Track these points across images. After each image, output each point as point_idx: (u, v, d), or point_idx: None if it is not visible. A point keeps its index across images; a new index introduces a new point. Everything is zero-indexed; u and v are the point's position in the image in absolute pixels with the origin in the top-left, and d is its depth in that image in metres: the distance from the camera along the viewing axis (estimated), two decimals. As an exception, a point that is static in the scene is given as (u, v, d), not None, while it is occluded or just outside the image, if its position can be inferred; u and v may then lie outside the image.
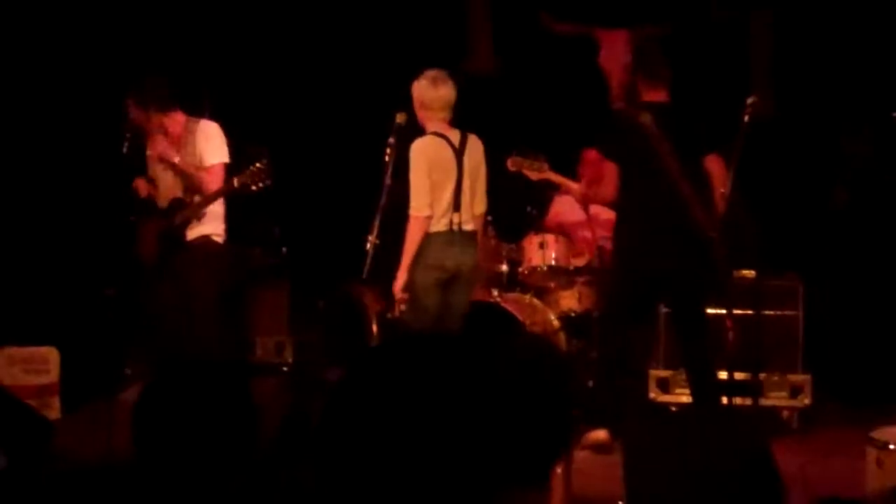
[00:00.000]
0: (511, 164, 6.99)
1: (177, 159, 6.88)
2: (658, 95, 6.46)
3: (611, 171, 6.48)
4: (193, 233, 6.91)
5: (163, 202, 7.02)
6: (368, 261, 6.52)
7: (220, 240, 6.98)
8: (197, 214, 6.90)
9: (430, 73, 6.54)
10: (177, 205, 6.94)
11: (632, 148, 6.31)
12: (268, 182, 6.73)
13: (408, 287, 6.44)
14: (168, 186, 6.99)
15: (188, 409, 2.47)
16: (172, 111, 6.99)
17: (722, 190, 6.07)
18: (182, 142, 6.97)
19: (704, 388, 6.39)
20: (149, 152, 7.09)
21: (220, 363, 2.69)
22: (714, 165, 6.30)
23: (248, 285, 9.20)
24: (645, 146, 6.22)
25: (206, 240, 6.90)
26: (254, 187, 6.74)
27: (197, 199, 6.89)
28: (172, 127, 7.01)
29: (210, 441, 2.45)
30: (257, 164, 6.72)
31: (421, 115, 6.56)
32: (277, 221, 9.61)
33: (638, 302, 6.45)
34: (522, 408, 1.70)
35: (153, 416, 2.49)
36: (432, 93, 6.49)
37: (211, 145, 6.97)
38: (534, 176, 7.06)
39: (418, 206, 6.41)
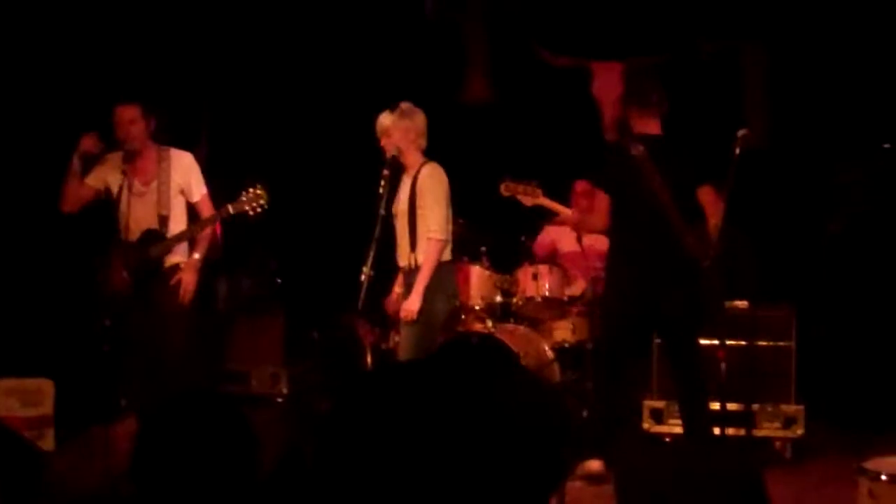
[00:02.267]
0: (504, 188, 7.01)
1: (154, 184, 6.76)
2: (650, 127, 6.48)
3: (602, 201, 6.49)
4: (166, 262, 6.79)
5: (133, 233, 6.77)
6: (363, 292, 6.54)
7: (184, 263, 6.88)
8: (175, 245, 6.78)
9: (409, 104, 6.66)
10: (150, 236, 6.75)
11: (623, 179, 6.32)
12: (264, 206, 6.68)
13: (424, 314, 6.47)
14: (140, 217, 6.76)
15: (187, 442, 2.47)
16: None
17: (714, 221, 6.08)
18: (154, 170, 6.81)
19: (696, 419, 6.39)
20: (115, 182, 6.81)
21: (219, 395, 2.68)
22: (707, 197, 6.30)
23: (223, 312, 9.20)
24: (637, 178, 6.24)
25: (176, 267, 6.79)
26: (251, 213, 6.69)
27: (180, 230, 6.80)
28: (148, 153, 6.84)
29: (210, 473, 2.45)
30: (251, 190, 6.68)
31: (416, 144, 6.63)
32: (273, 253, 9.63)
33: (630, 333, 6.45)
34: (517, 441, 1.71)
35: (152, 449, 2.50)
36: (424, 123, 6.64)
37: (196, 177, 6.91)
38: (527, 201, 7.06)
39: (440, 229, 6.52)
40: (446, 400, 1.71)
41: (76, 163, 6.76)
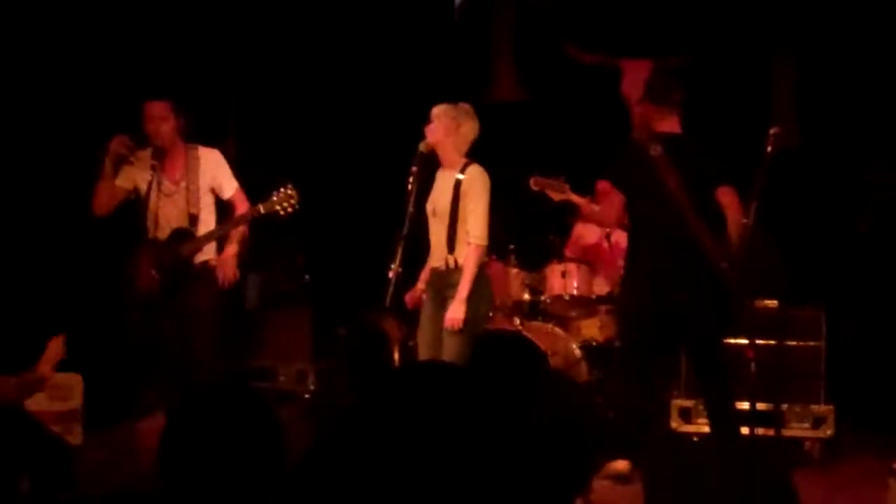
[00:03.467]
0: (534, 183, 6.95)
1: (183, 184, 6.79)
2: (669, 125, 6.43)
3: (615, 198, 6.46)
4: (196, 260, 6.78)
5: (162, 231, 6.74)
6: (391, 289, 6.53)
7: (215, 262, 6.85)
8: (206, 244, 6.76)
9: (471, 108, 6.64)
10: (181, 235, 6.72)
11: (640, 178, 6.27)
12: (296, 206, 6.66)
13: (469, 322, 6.40)
14: (170, 216, 6.74)
15: (214, 436, 2.47)
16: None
17: (744, 220, 6.03)
18: (183, 169, 6.79)
19: (722, 419, 6.34)
20: (144, 181, 6.78)
21: (246, 388, 2.66)
22: (726, 197, 6.23)
23: (251, 309, 9.23)
24: (653, 177, 6.20)
25: (207, 264, 6.79)
26: (282, 213, 6.66)
27: (210, 228, 6.80)
28: (177, 151, 6.82)
29: (237, 467, 2.45)
30: (283, 190, 6.66)
31: (459, 144, 6.60)
32: (301, 249, 9.64)
33: (649, 333, 6.38)
34: (546, 440, 1.70)
35: (179, 444, 2.49)
36: (475, 132, 6.62)
37: (226, 173, 6.90)
38: (556, 196, 7.02)
39: (484, 235, 6.49)
40: (475, 399, 1.70)
41: (108, 166, 6.75)
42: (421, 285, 6.82)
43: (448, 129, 6.57)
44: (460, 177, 6.52)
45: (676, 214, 6.13)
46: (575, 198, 6.98)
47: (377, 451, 1.68)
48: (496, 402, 1.71)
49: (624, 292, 6.59)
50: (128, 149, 6.74)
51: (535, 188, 6.91)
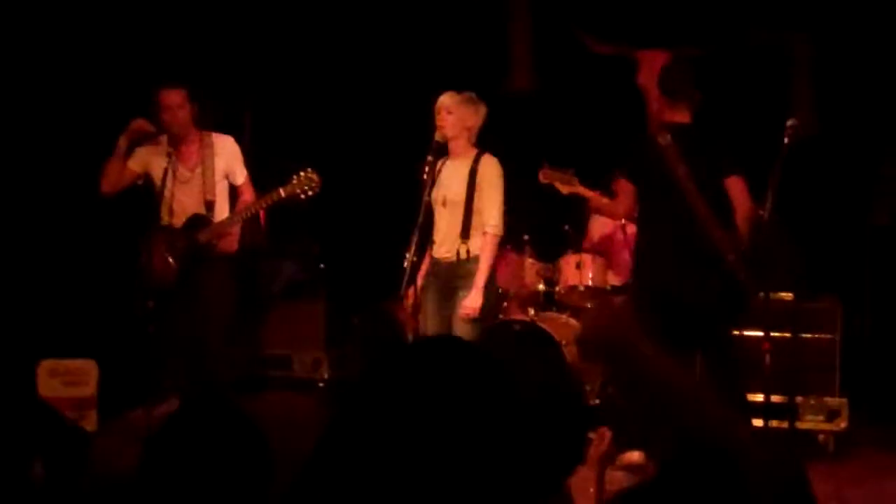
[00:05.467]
0: (542, 176, 6.93)
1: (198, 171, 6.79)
2: (680, 116, 6.39)
3: (626, 189, 6.43)
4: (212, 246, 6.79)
5: (178, 218, 6.77)
6: (406, 278, 6.53)
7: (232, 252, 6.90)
8: (226, 231, 6.78)
9: (475, 95, 6.63)
10: (197, 222, 6.75)
11: (649, 169, 6.24)
12: (316, 190, 6.65)
13: (483, 309, 6.49)
14: (186, 203, 6.77)
15: (194, 457, 2.37)
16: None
17: (759, 212, 6.00)
18: (198, 156, 6.81)
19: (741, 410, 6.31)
20: (157, 167, 6.80)
21: (231, 404, 2.54)
22: (735, 188, 6.20)
23: (265, 297, 9.23)
24: (662, 168, 6.16)
25: (221, 249, 6.82)
26: (302, 196, 6.65)
27: (226, 214, 6.81)
28: (192, 138, 6.84)
29: (219, 489, 2.36)
30: (303, 173, 6.65)
31: (470, 133, 6.61)
32: (316, 238, 9.64)
33: (663, 326, 6.32)
34: (536, 421, 1.71)
35: (158, 463, 2.40)
36: (484, 118, 6.63)
37: (239, 159, 6.92)
38: (564, 189, 6.99)
39: (500, 224, 6.54)
40: (472, 377, 1.70)
41: (122, 144, 6.77)
42: (420, 281, 6.77)
43: (466, 119, 6.58)
44: (475, 166, 6.52)
45: (685, 205, 6.10)
46: (584, 190, 6.96)
47: (385, 427, 1.68)
48: (503, 380, 1.71)
49: (633, 283, 6.56)
50: (147, 131, 6.75)
51: (543, 181, 6.90)
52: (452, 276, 6.56)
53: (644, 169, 6.28)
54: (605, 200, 6.87)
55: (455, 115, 6.54)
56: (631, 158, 6.41)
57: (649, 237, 6.34)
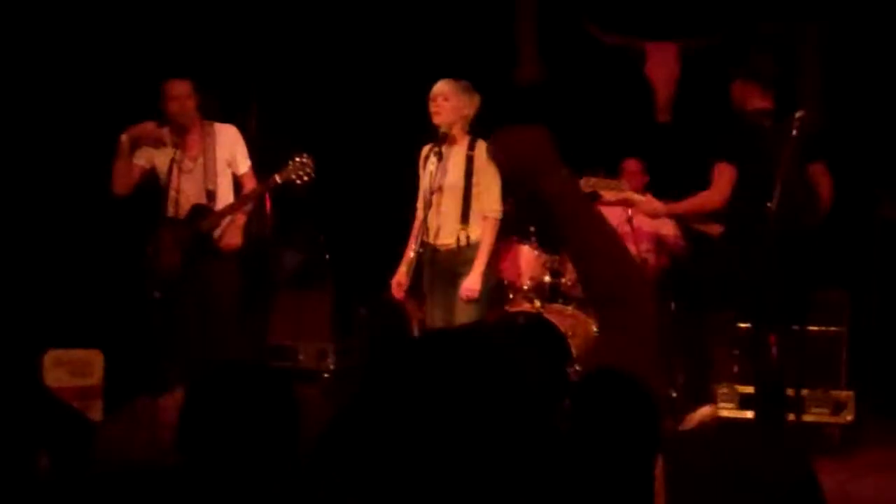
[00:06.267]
0: (585, 184, 6.78)
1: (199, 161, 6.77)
2: (767, 102, 6.42)
3: (728, 176, 6.30)
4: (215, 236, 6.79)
5: (183, 209, 6.76)
6: (412, 268, 6.55)
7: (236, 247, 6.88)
8: (227, 219, 6.77)
9: (469, 84, 6.65)
10: (200, 211, 6.75)
11: (752, 152, 6.22)
12: (312, 175, 6.64)
13: (483, 292, 6.54)
14: (190, 193, 6.76)
15: (232, 412, 2.47)
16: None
17: (768, 204, 5.97)
18: (200, 145, 6.80)
19: (773, 404, 6.32)
20: (162, 159, 6.82)
21: (264, 365, 2.67)
22: (820, 173, 6.33)
23: (271, 287, 9.24)
24: (765, 150, 6.15)
25: (227, 249, 6.82)
26: (298, 181, 6.63)
27: (230, 203, 6.80)
28: (195, 128, 6.82)
29: (253, 443, 2.45)
30: (298, 159, 6.64)
31: (466, 121, 6.63)
32: (322, 228, 9.64)
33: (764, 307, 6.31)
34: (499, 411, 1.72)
35: (197, 418, 2.50)
36: (478, 106, 6.64)
37: (241, 149, 6.90)
38: (611, 196, 6.89)
39: (499, 209, 6.58)
40: (467, 373, 1.72)
41: (125, 143, 6.75)
42: (404, 268, 6.74)
43: (459, 108, 6.59)
44: (471, 153, 6.55)
45: (783, 190, 6.04)
46: (633, 196, 6.87)
47: (389, 421, 1.69)
48: (506, 372, 1.73)
49: (725, 268, 6.47)
50: (151, 135, 6.75)
51: (586, 189, 6.72)
52: (454, 263, 6.58)
53: (747, 153, 6.24)
54: (656, 203, 6.72)
55: (451, 102, 6.56)
56: (733, 142, 6.34)
57: (742, 223, 6.25)
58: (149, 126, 6.76)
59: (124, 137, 6.74)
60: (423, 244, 6.63)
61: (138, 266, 6.83)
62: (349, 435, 1.74)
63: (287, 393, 2.54)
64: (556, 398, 2.01)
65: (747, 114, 6.42)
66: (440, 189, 6.60)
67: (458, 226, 6.56)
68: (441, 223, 6.62)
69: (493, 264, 6.82)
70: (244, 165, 6.87)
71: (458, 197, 6.55)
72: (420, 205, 6.70)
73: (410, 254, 6.59)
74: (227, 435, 2.45)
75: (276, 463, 2.44)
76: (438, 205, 6.61)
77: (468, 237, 6.56)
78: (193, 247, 6.69)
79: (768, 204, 5.93)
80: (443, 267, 6.63)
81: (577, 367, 7.20)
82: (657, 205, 6.76)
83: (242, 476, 2.42)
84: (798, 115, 6.02)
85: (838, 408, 7.10)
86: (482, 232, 6.53)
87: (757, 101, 6.39)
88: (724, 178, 6.29)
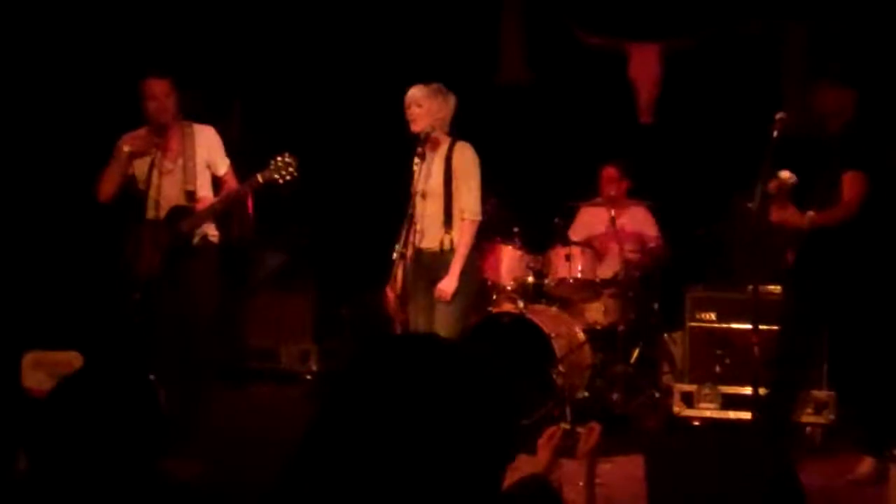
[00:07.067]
0: (776, 217, 6.47)
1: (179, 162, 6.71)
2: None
3: (858, 186, 6.12)
4: (195, 237, 6.70)
5: (162, 210, 6.66)
6: (395, 269, 6.53)
7: (216, 240, 6.78)
8: (207, 219, 6.69)
9: (442, 86, 6.63)
10: (179, 212, 6.64)
11: (877, 157, 6.20)
12: (295, 175, 6.57)
13: (462, 294, 6.49)
14: (169, 194, 6.66)
15: (86, 418, 2.42)
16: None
17: (749, 205, 5.97)
18: (180, 146, 6.70)
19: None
20: (137, 157, 6.70)
21: (131, 371, 2.59)
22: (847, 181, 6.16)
23: (253, 288, 9.21)
24: (886, 155, 6.16)
25: (205, 241, 6.72)
26: (280, 181, 6.58)
27: (209, 204, 6.74)
28: (174, 129, 6.71)
29: (108, 450, 2.39)
30: (280, 158, 6.57)
31: (444, 123, 6.61)
32: (305, 229, 9.62)
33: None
34: (463, 421, 1.73)
35: (51, 424, 2.45)
36: (454, 107, 6.64)
37: (220, 149, 6.83)
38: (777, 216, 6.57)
39: (478, 210, 6.54)
40: (438, 376, 1.72)
41: (125, 153, 6.67)
42: (400, 272, 6.72)
43: (439, 111, 6.57)
44: (449, 155, 6.54)
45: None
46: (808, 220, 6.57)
47: (364, 424, 1.70)
48: (480, 375, 1.73)
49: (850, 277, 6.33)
50: (150, 143, 6.70)
51: (773, 192, 6.43)
52: (437, 267, 6.56)
53: (875, 162, 6.20)
54: (837, 210, 6.51)
55: (424, 107, 6.54)
56: (865, 152, 6.22)
57: (864, 230, 6.17)
58: (143, 133, 6.70)
59: (126, 148, 6.67)
60: (407, 246, 6.61)
61: (118, 267, 6.78)
62: (324, 444, 1.74)
63: (150, 398, 2.49)
64: (534, 404, 2.00)
65: (850, 122, 6.32)
66: (423, 194, 6.59)
67: (442, 230, 6.55)
68: (425, 227, 6.61)
69: (477, 267, 6.81)
70: (223, 166, 6.81)
71: (439, 201, 6.54)
72: (410, 208, 6.65)
73: (395, 256, 6.57)
74: (80, 442, 2.39)
75: (134, 470, 2.39)
76: (423, 209, 6.60)
77: (452, 241, 6.54)
78: (173, 248, 6.63)
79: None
80: (426, 270, 6.62)
81: (562, 368, 7.21)
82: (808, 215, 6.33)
83: (94, 483, 2.37)
84: (779, 116, 6.02)
85: (819, 408, 7.10)
86: (459, 233, 6.51)
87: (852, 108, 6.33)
88: (856, 189, 6.13)
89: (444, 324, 6.49)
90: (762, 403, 6.31)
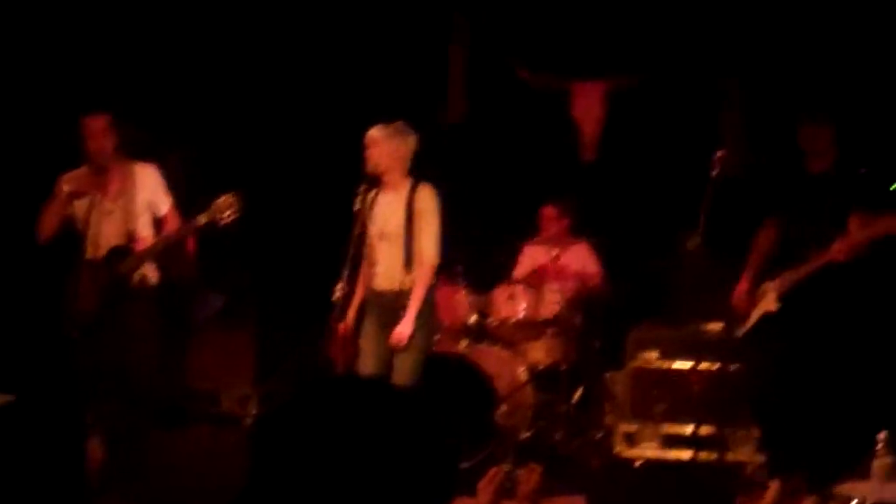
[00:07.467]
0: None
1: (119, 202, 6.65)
2: None
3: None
4: (134, 278, 6.64)
5: (101, 250, 6.60)
6: (336, 310, 6.49)
7: (155, 280, 6.73)
8: (147, 260, 6.63)
9: (404, 125, 6.59)
10: (118, 253, 6.58)
11: None
12: (237, 214, 6.52)
13: (420, 339, 6.44)
14: (109, 234, 6.60)
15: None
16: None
17: (688, 244, 6.00)
18: (120, 185, 6.64)
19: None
20: (77, 197, 6.66)
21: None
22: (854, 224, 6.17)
23: (193, 329, 9.12)
24: None
25: (144, 282, 6.66)
26: (222, 221, 6.52)
27: (149, 245, 6.64)
28: (114, 167, 6.65)
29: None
30: (223, 197, 6.49)
31: (403, 164, 6.54)
32: (248, 269, 9.54)
33: None
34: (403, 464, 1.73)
35: None
36: (415, 146, 6.59)
37: (162, 189, 6.76)
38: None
39: (436, 254, 6.50)
40: (370, 419, 1.72)
41: (65, 193, 6.61)
42: (352, 313, 6.72)
43: (395, 151, 6.52)
44: (411, 197, 6.49)
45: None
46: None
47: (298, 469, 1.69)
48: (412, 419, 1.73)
49: None
50: (90, 184, 6.64)
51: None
52: (396, 307, 6.48)
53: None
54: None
55: (383, 147, 6.49)
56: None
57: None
58: (83, 173, 6.63)
59: (65, 188, 6.59)
60: (356, 287, 6.58)
61: (57, 309, 6.70)
62: (259, 489, 1.74)
63: (75, 440, 2.47)
64: (475, 445, 1.99)
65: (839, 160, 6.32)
66: (381, 235, 6.52)
67: (402, 271, 6.47)
68: (384, 270, 6.54)
69: (434, 311, 6.75)
70: (165, 205, 6.74)
71: (399, 242, 6.47)
72: (352, 249, 6.57)
73: (338, 294, 6.50)
74: None
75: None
76: (381, 250, 6.54)
77: (412, 282, 6.48)
78: (111, 289, 6.55)
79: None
80: (382, 311, 6.54)
81: (504, 408, 7.19)
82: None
83: None
84: (718, 154, 6.07)
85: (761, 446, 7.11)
86: (416, 277, 6.44)
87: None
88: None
89: (403, 373, 6.38)
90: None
